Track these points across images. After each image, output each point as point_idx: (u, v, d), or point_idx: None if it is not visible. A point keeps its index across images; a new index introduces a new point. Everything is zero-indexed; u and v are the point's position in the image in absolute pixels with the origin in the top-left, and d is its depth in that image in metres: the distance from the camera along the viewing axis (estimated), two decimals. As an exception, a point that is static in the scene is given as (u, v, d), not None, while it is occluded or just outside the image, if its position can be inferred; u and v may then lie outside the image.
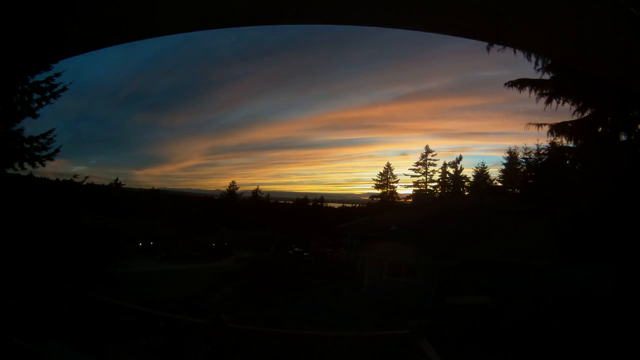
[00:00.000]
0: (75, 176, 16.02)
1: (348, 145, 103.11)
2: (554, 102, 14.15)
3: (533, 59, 13.30)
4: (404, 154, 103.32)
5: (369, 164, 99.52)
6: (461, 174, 44.47)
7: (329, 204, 70.56)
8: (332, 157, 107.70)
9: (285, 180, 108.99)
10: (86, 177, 16.56)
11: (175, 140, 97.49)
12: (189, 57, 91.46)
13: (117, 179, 57.95)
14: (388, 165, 48.86)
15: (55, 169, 52.00)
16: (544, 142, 23.16)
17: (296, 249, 33.56)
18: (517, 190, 34.52)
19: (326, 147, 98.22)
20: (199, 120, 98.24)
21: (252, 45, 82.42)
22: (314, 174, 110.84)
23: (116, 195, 53.55)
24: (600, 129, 13.93)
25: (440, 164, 49.39)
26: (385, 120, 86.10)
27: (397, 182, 48.31)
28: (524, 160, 34.20)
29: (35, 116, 12.46)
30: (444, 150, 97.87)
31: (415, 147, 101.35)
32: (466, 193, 42.64)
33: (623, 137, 13.22)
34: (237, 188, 64.53)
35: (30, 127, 12.83)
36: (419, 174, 46.10)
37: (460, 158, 44.64)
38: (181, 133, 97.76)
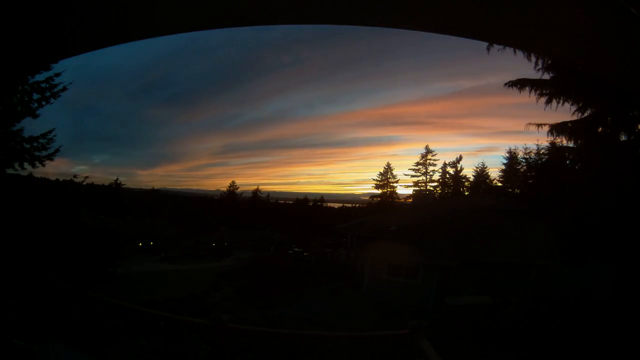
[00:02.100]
0: (75, 176, 16.04)
1: (373, 143, 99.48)
2: (554, 102, 14.17)
3: (533, 59, 13.32)
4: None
5: (389, 162, 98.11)
6: (461, 174, 44.52)
7: (329, 204, 70.52)
8: (352, 157, 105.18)
9: (292, 180, 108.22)
10: (86, 177, 16.61)
11: (189, 139, 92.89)
12: (213, 49, 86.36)
13: (117, 179, 58.20)
14: (388, 165, 48.93)
15: (56, 168, 51.95)
16: (544, 142, 23.11)
17: (296, 249, 33.56)
18: (517, 190, 34.51)
19: (350, 146, 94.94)
20: (219, 117, 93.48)
21: (293, 36, 74.61)
22: (326, 173, 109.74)
23: (116, 195, 53.64)
24: (600, 129, 13.93)
25: (440, 164, 49.42)
26: (423, 117, 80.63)
27: (397, 182, 48.38)
28: (524, 160, 34.25)
29: (35, 116, 12.47)
30: (471, 150, 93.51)
31: (444, 145, 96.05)
32: (466, 193, 42.62)
33: (623, 137, 13.22)
34: (237, 188, 64.67)
35: (30, 127, 12.85)
36: (419, 174, 46.15)
37: (461, 158, 44.67)
38: (197, 131, 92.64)
